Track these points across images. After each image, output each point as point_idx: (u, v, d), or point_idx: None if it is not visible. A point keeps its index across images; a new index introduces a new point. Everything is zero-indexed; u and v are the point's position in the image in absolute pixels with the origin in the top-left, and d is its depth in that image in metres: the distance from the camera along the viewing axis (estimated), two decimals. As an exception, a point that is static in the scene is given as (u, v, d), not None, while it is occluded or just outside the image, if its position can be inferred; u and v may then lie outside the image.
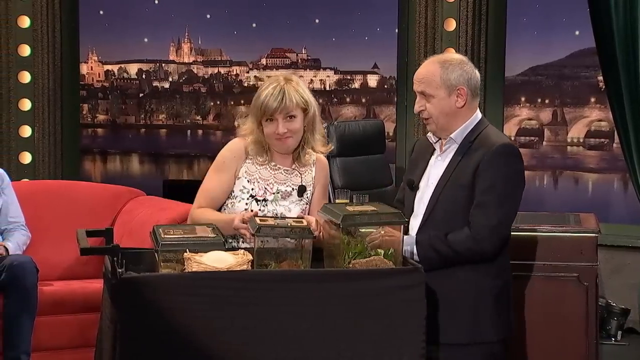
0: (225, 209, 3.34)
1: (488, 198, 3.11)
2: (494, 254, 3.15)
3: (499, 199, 3.11)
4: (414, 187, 3.29)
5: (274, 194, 3.31)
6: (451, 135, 3.23)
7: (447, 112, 3.20)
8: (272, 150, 3.35)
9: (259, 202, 3.28)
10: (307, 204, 3.37)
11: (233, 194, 3.33)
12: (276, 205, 3.30)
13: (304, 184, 3.36)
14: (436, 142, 3.30)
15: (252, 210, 3.22)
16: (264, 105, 3.24)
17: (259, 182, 3.31)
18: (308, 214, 3.30)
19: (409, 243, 3.11)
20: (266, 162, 3.35)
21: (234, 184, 3.33)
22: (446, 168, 3.22)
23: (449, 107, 3.20)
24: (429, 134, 3.32)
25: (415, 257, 3.10)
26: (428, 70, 3.22)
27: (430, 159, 3.31)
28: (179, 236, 2.84)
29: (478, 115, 3.27)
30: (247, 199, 3.29)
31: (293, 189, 3.34)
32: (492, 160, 3.13)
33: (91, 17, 6.48)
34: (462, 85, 3.19)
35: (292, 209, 3.31)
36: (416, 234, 3.17)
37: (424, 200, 3.24)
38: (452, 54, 3.36)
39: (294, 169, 3.37)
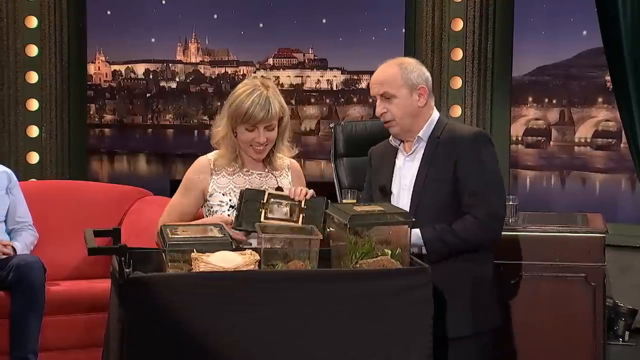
0: None
1: (481, 185, 3.17)
2: (499, 238, 3.23)
3: (492, 183, 3.20)
4: (386, 193, 3.31)
5: None
6: (419, 134, 3.27)
7: (411, 112, 3.25)
8: (242, 156, 3.31)
9: None
10: None
11: (212, 209, 3.27)
12: None
13: (280, 186, 3.27)
14: (399, 144, 3.34)
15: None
16: (248, 114, 3.17)
17: (234, 192, 3.24)
18: None
19: (415, 237, 3.12)
20: (237, 170, 3.29)
21: (206, 201, 3.28)
22: (420, 166, 3.26)
23: (411, 107, 3.25)
24: (390, 139, 3.35)
25: (424, 249, 3.13)
26: (388, 73, 3.27)
27: (395, 163, 3.34)
28: (187, 236, 2.84)
29: (437, 113, 3.34)
30: (228, 210, 3.24)
31: None
32: (471, 148, 3.19)
33: (99, 17, 6.49)
34: (422, 84, 3.26)
35: None
36: (420, 229, 3.17)
37: (404, 202, 3.25)
38: (404, 58, 3.39)
39: (267, 172, 3.33)
